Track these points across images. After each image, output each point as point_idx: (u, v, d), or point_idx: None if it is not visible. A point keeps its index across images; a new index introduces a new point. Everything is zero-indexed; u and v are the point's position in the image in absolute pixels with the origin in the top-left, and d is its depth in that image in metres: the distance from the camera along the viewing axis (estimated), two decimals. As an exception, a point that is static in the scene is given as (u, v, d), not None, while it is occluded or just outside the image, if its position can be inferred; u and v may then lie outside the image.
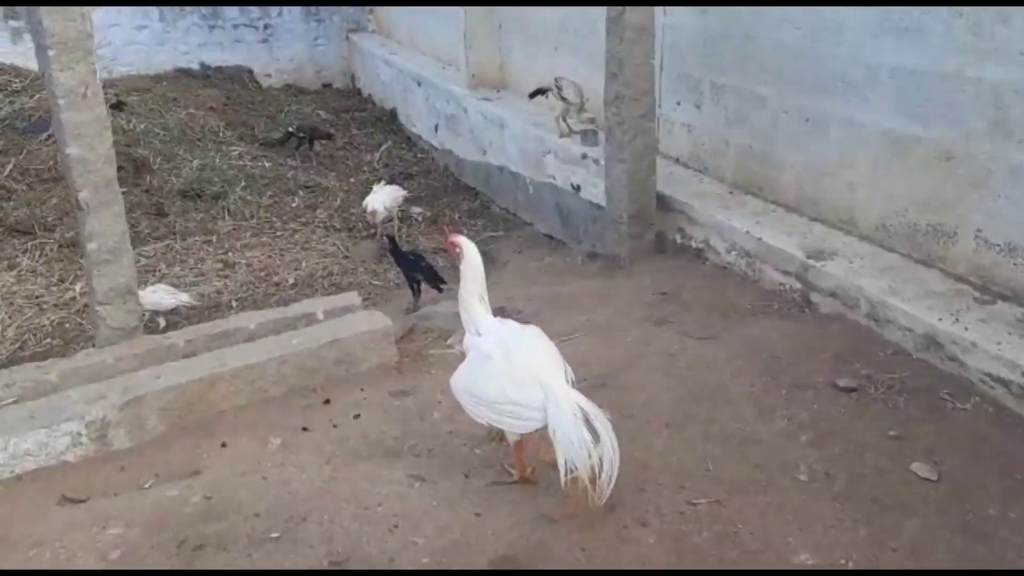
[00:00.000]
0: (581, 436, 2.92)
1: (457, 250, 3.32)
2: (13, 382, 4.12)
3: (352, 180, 8.91)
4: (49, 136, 8.49)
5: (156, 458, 3.73)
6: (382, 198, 7.48)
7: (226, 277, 7.02)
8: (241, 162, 8.79)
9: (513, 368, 3.08)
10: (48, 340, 6.11)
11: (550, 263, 6.74)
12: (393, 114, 10.44)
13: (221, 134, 9.26)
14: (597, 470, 2.93)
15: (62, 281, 6.84)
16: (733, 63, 5.88)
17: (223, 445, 3.79)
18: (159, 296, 5.95)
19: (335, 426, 3.89)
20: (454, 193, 8.67)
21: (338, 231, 7.91)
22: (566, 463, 2.93)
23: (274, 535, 3.14)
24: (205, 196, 8.18)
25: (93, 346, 4.73)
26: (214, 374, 4.02)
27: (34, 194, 7.86)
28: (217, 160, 8.72)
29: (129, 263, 4.58)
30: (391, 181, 8.38)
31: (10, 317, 6.35)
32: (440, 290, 6.07)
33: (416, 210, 8.23)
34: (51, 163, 8.15)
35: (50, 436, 3.66)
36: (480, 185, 8.57)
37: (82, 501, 3.43)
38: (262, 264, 7.19)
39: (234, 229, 7.76)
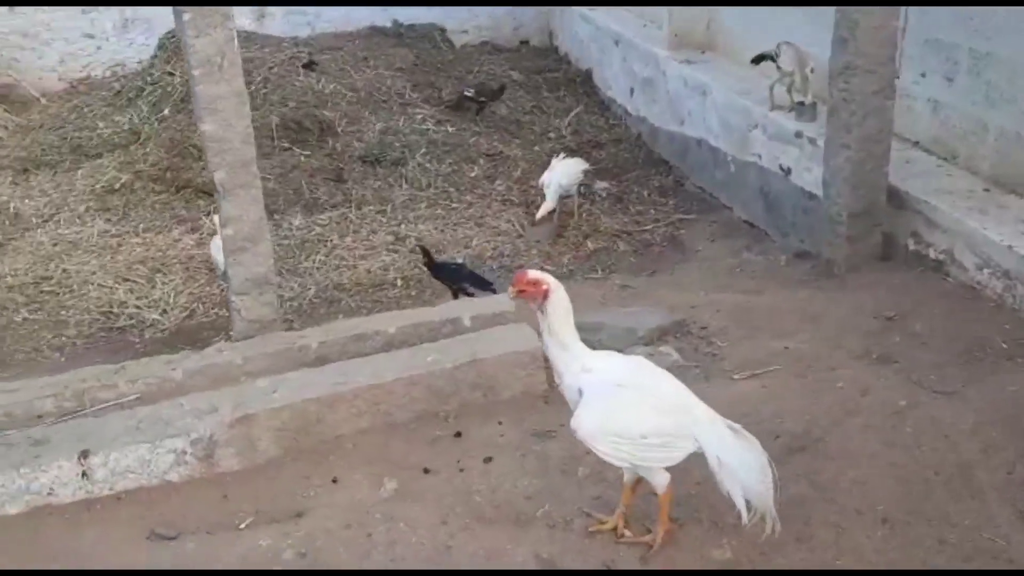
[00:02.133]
0: (760, 460, 2.67)
1: (543, 287, 2.75)
2: (138, 377, 3.82)
3: (536, 148, 8.24)
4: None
5: (261, 488, 3.28)
6: (558, 175, 6.75)
7: (395, 252, 6.61)
8: (424, 126, 8.34)
9: (651, 391, 2.75)
10: (215, 311, 5.93)
11: (747, 260, 5.77)
12: (588, 76, 9.64)
13: (407, 96, 8.84)
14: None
15: (236, 246, 6.65)
16: (1005, 27, 4.62)
17: (334, 481, 3.29)
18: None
19: (461, 470, 3.27)
20: (645, 166, 7.80)
21: (515, 205, 7.29)
22: (744, 496, 2.65)
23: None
24: (384, 162, 7.80)
25: (229, 338, 4.39)
26: (335, 394, 3.51)
27: (220, 155, 7.78)
28: (400, 124, 8.33)
29: (267, 251, 4.17)
30: (572, 153, 7.63)
31: (184, 283, 6.24)
32: (494, 292, 5.24)
33: (601, 185, 7.45)
34: (238, 123, 8.05)
35: (153, 452, 3.29)
36: (675, 159, 7.65)
37: (171, 539, 3.03)
38: (433, 240, 6.71)
39: (410, 199, 7.33)
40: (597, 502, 3.05)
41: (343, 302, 6.00)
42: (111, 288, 6.05)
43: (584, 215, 7.01)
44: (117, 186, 7.25)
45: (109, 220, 6.93)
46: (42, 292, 5.95)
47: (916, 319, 4.12)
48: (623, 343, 4.15)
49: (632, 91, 8.48)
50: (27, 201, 7.20)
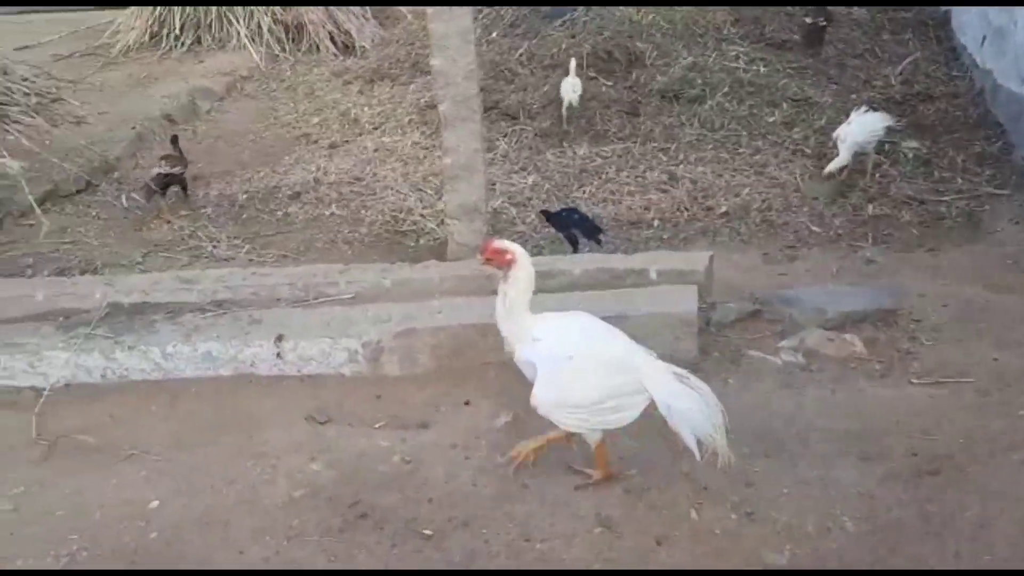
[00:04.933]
0: (706, 402, 2.79)
1: (508, 257, 2.85)
2: (356, 280, 4.41)
3: (854, 97, 7.58)
4: (563, 23, 8.78)
5: (407, 396, 3.71)
6: (855, 130, 6.20)
7: (664, 192, 6.62)
8: (734, 64, 8.05)
9: (598, 358, 2.82)
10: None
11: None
12: (945, 19, 8.52)
13: (725, 30, 8.55)
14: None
15: (523, 169, 7.11)
16: None
17: (466, 403, 3.61)
18: None
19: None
20: (971, 128, 6.84)
21: (806, 157, 6.85)
22: (696, 436, 2.80)
23: (427, 532, 2.91)
24: (682, 99, 7.72)
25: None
26: (488, 324, 3.77)
27: (532, 80, 8.24)
28: (710, 60, 8.12)
29: (480, 182, 4.51)
30: (897, 105, 6.92)
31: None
32: (599, 242, 5.16)
33: (910, 145, 6.70)
34: (555, 50, 8.43)
35: (332, 347, 3.86)
36: (1009, 123, 6.61)
37: (321, 423, 3.58)
38: (705, 184, 6.60)
39: (697, 139, 7.23)
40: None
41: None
42: (404, 195, 6.81)
43: (877, 176, 6.41)
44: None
45: (424, 133, 7.70)
46: (352, 191, 6.86)
47: None
48: (809, 322, 3.91)
49: (983, 40, 7.41)
50: (366, 109, 8.24)
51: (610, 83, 7.96)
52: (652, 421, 3.13)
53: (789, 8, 8.84)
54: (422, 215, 6.52)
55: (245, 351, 3.90)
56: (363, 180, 7.00)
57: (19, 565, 2.94)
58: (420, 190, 6.84)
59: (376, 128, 7.88)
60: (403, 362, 3.85)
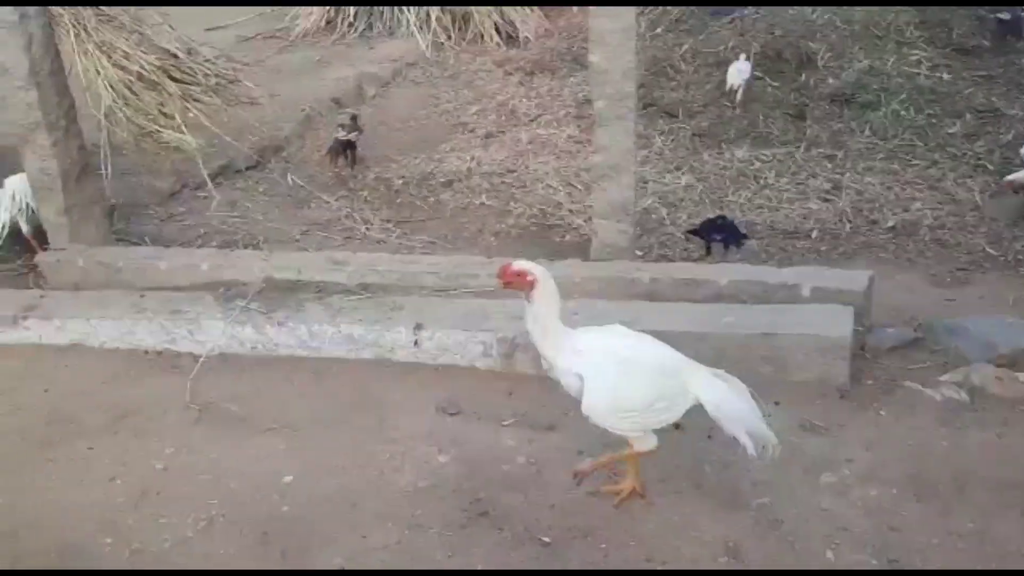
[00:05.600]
0: (748, 399, 2.83)
1: (529, 279, 2.82)
2: (494, 273, 4.42)
3: (1051, 113, 6.96)
4: (732, 20, 8.51)
5: (538, 396, 3.67)
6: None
7: (826, 201, 6.30)
8: (915, 70, 7.55)
9: (645, 362, 2.83)
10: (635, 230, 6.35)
11: None
12: None
13: (908, 33, 8.01)
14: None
15: (677, 169, 6.95)
16: None
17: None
18: None
19: (709, 437, 3.27)
20: None
21: (988, 173, 6.35)
22: (747, 433, 2.81)
23: (546, 539, 2.89)
24: (854, 104, 7.32)
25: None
26: (623, 331, 3.69)
27: (695, 77, 8.04)
28: (888, 64, 7.65)
29: (629, 182, 4.42)
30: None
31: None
32: (739, 245, 5.03)
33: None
34: (721, 48, 8.19)
35: (468, 340, 3.89)
36: None
37: (451, 414, 3.60)
38: (872, 195, 6.24)
39: (866, 148, 6.84)
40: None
41: (748, 241, 5.97)
42: (554, 189, 6.79)
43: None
44: (596, 96, 7.95)
45: (579, 127, 7.65)
46: (503, 182, 6.90)
47: None
48: (977, 356, 3.60)
49: None
50: (524, 100, 8.27)
51: (777, 84, 7.66)
52: (788, 446, 2.99)
53: (981, 10, 8.20)
54: (570, 210, 6.48)
55: (385, 336, 3.98)
56: (515, 172, 7.02)
57: (161, 523, 3.11)
58: (570, 185, 6.79)
59: (532, 120, 7.89)
60: (536, 361, 3.80)
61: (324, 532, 3.02)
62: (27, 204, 5.19)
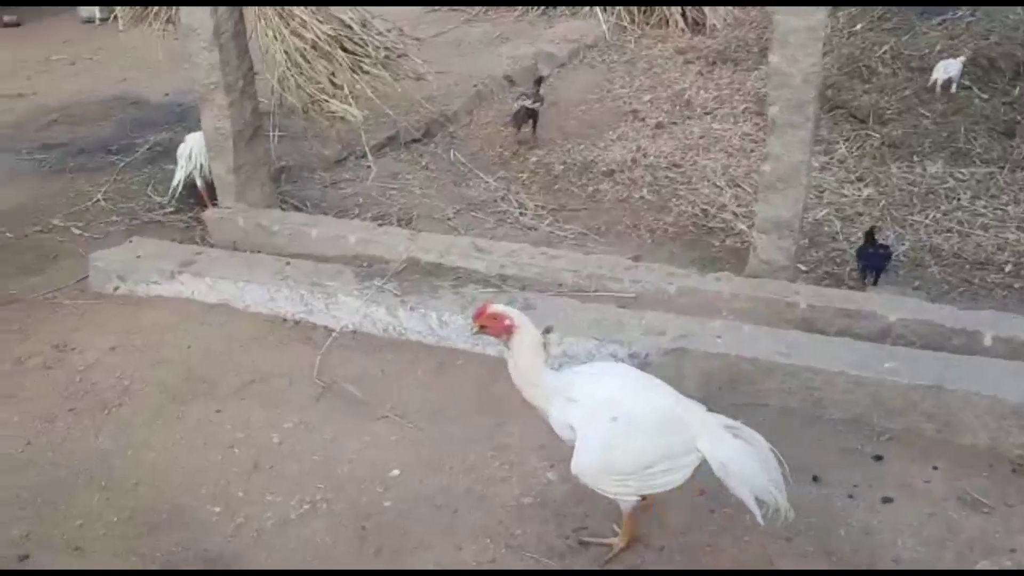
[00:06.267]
0: (764, 455, 2.52)
1: (506, 323, 2.55)
2: (641, 280, 4.20)
3: None
4: (942, 21, 7.75)
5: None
6: None
7: (1025, 231, 5.63)
8: None
9: (646, 416, 2.51)
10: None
11: None
12: None
13: None
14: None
15: (859, 180, 6.42)
16: None
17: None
18: None
19: (850, 496, 2.92)
20: None
21: None
22: (754, 495, 2.51)
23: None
24: (1079, 124, 6.49)
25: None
26: (771, 363, 3.38)
27: (892, 81, 7.39)
28: None
29: (798, 197, 4.06)
30: None
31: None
32: (877, 277, 4.64)
33: None
34: (927, 51, 7.48)
35: (598, 349, 3.70)
36: None
37: (570, 427, 3.42)
38: (1068, 228, 5.52)
39: (1086, 176, 6.05)
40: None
41: (929, 268, 5.43)
42: (721, 189, 6.42)
43: None
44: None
45: (756, 125, 7.20)
46: (667, 177, 6.60)
47: None
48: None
49: None
50: (701, 92, 7.90)
51: (986, 96, 6.91)
52: (941, 520, 2.60)
53: None
54: (734, 213, 6.11)
55: (514, 335, 3.83)
56: (681, 167, 6.70)
57: (267, 500, 3.13)
58: (738, 186, 6.41)
59: (707, 113, 7.51)
60: (668, 381, 3.55)
61: (420, 536, 2.94)
62: (201, 162, 5.41)
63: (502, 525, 2.94)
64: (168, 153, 5.84)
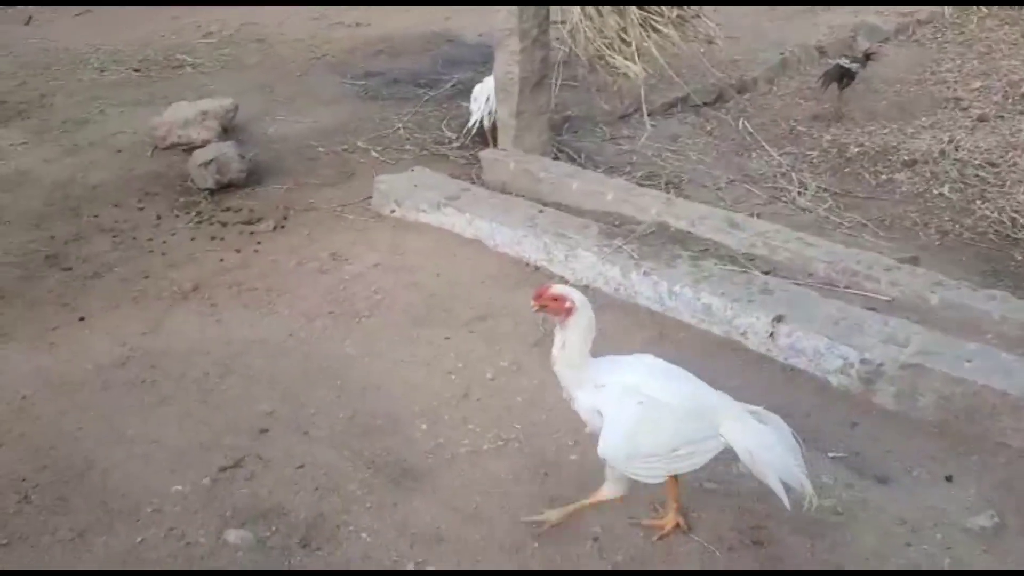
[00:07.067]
0: (787, 440, 2.60)
1: (566, 304, 2.61)
2: (900, 283, 3.86)
3: None
4: None
5: (882, 439, 3.16)
6: None
7: None
8: None
9: (671, 402, 2.60)
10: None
11: None
12: None
13: None
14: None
15: None
16: None
17: (947, 478, 2.93)
18: None
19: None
20: None
21: None
22: (780, 479, 2.57)
23: None
24: None
25: None
26: (1023, 399, 2.97)
27: None
28: None
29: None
30: None
31: None
32: None
33: None
34: None
35: (828, 349, 3.46)
36: None
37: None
38: None
39: None
40: None
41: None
42: (1040, 197, 5.63)
43: None
44: None
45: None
46: (977, 176, 5.90)
47: None
48: None
49: None
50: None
51: None
52: None
53: None
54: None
55: (741, 318, 3.70)
56: (997, 166, 5.97)
57: (467, 428, 3.33)
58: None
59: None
60: (900, 398, 3.26)
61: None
62: (494, 104, 5.70)
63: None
64: (468, 91, 6.21)
